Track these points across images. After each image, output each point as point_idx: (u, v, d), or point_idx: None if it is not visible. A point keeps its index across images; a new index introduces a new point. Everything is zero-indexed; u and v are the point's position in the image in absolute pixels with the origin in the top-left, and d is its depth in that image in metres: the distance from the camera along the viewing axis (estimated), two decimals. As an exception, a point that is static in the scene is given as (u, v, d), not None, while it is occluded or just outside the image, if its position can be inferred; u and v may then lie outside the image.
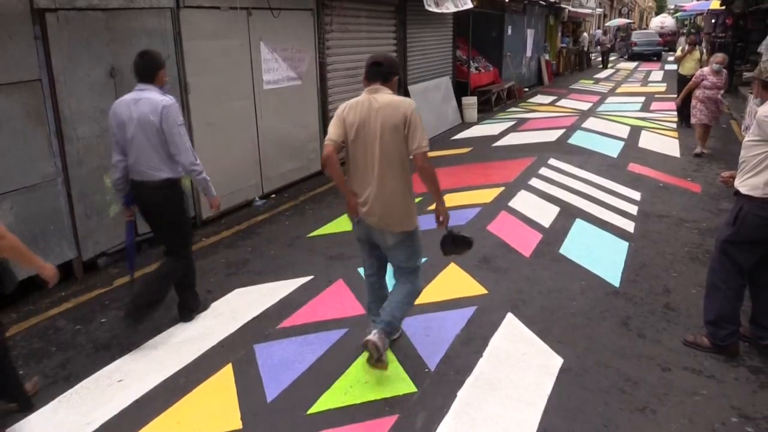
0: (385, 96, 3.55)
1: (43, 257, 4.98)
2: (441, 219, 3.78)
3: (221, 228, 6.70)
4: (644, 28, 50.55)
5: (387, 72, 3.63)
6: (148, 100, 4.11)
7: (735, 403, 3.57)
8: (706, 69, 10.15)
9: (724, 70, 10.03)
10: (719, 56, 10.16)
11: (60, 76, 5.04)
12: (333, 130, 3.61)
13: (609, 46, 31.41)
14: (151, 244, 6.07)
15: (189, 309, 4.64)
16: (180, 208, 4.41)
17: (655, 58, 33.80)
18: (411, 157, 3.55)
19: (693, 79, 10.25)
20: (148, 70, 4.19)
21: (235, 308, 4.79)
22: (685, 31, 40.09)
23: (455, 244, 3.94)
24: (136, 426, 3.41)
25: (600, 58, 30.98)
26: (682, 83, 11.94)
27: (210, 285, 5.22)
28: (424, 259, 5.54)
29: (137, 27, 5.72)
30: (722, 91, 10.16)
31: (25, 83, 4.77)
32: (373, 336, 3.59)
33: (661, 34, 39.99)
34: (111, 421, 3.46)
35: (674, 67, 15.53)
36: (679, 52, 13.16)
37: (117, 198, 5.11)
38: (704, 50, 13.54)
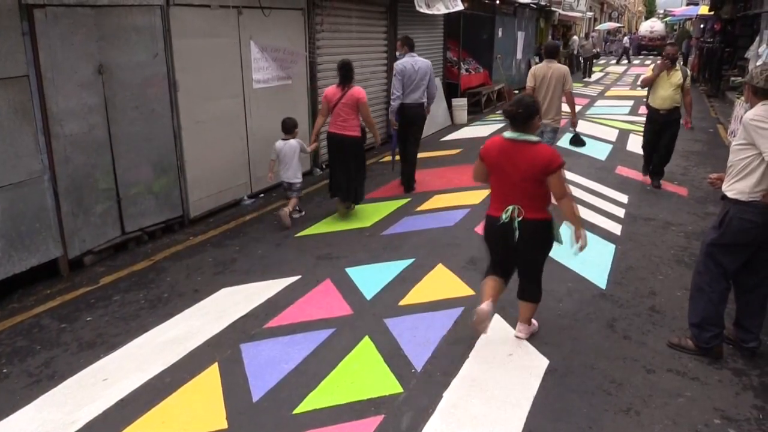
0: None
1: (28, 255, 4.99)
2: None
3: (209, 227, 6.68)
4: (634, 32, 51.00)
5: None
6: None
7: (718, 404, 3.60)
8: None
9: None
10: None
11: (48, 72, 5.00)
12: None
13: (595, 51, 27.99)
14: (138, 242, 6.04)
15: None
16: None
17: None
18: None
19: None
20: None
21: (222, 307, 4.77)
22: (674, 36, 40.50)
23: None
24: (121, 425, 3.39)
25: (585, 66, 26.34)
26: (652, 122, 8.15)
27: (197, 284, 5.21)
28: (411, 260, 5.59)
29: (126, 24, 5.69)
30: None
31: (12, 79, 4.73)
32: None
33: (650, 39, 41.18)
34: (95, 420, 3.44)
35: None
36: (648, 72, 8.09)
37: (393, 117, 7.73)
38: (689, 71, 8.20)
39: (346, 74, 6.56)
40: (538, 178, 3.82)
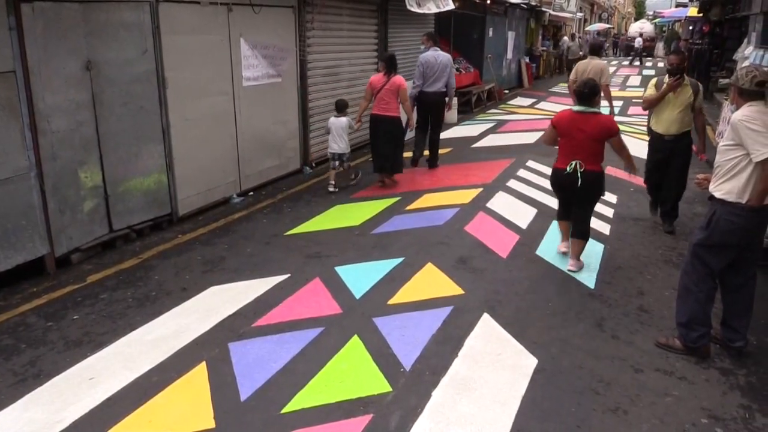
0: None
1: (14, 252, 4.94)
2: None
3: (198, 225, 6.64)
4: (624, 33, 51.33)
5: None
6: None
7: (705, 404, 3.63)
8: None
9: None
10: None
11: (35, 68, 4.95)
12: None
13: (581, 54, 25.03)
14: (126, 240, 6.00)
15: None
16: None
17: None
18: None
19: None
20: None
21: (210, 306, 4.75)
22: (664, 36, 40.73)
23: None
24: (107, 424, 3.36)
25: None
26: (656, 151, 6.66)
27: (185, 282, 5.17)
28: (400, 259, 5.59)
29: (115, 20, 5.64)
30: None
31: (-2, 75, 4.68)
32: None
33: (629, 39, 41.97)
34: (81, 419, 3.41)
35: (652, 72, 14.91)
36: (651, 90, 6.56)
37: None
38: (700, 86, 6.43)
39: (390, 65, 7.81)
40: (600, 139, 5.16)
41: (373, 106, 7.90)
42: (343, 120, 7.95)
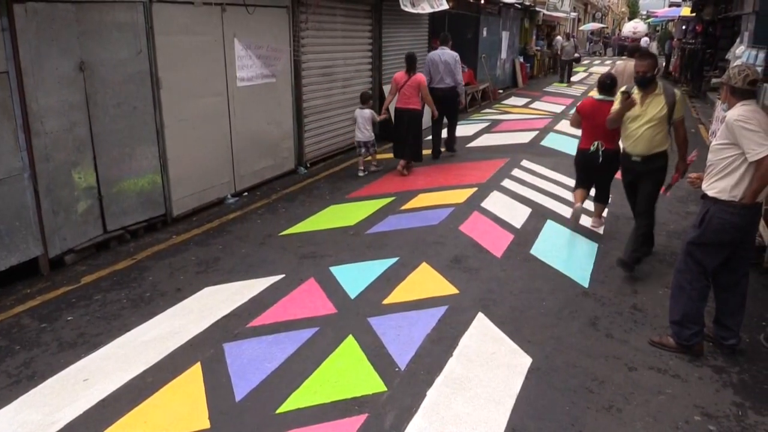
0: None
1: (7, 254, 4.92)
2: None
3: (192, 225, 6.63)
4: (618, 33, 51.48)
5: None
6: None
7: (698, 402, 3.65)
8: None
9: None
10: None
11: (28, 68, 4.94)
12: None
13: (576, 56, 24.50)
14: (120, 241, 5.99)
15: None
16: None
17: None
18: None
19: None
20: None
21: (205, 306, 4.74)
22: (657, 35, 40.80)
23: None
24: (102, 426, 3.35)
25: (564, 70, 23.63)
26: (625, 171, 5.64)
27: (180, 283, 5.17)
28: (395, 259, 5.59)
29: (108, 20, 5.63)
30: None
31: (-10, 76, 4.67)
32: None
33: (633, 39, 41.67)
34: (76, 420, 3.40)
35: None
36: (615, 104, 5.48)
37: None
38: (676, 93, 5.23)
39: (411, 63, 8.71)
40: None
41: (397, 100, 8.80)
42: (367, 112, 8.79)
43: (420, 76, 8.72)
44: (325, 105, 9.65)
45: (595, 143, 6.07)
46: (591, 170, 6.29)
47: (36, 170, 5.10)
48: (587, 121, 6.18)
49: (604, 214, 6.84)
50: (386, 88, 11.53)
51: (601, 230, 6.53)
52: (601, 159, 6.07)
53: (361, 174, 8.80)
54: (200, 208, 7.08)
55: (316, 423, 3.39)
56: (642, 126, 5.22)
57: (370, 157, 9.07)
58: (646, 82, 5.19)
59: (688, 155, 5.24)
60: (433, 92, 9.30)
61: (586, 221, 6.73)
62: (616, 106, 5.46)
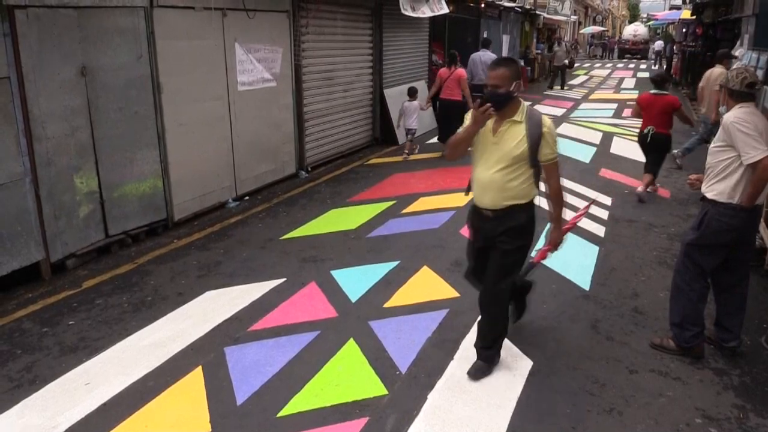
0: None
1: (9, 258, 4.93)
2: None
3: (194, 229, 6.65)
4: (618, 36, 51.56)
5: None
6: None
7: (699, 404, 3.64)
8: None
9: None
10: None
11: (29, 74, 4.96)
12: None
13: (565, 62, 23.07)
14: (121, 245, 6.00)
15: None
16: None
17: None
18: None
19: None
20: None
21: (206, 310, 4.75)
22: (659, 36, 40.69)
23: None
24: (103, 430, 3.36)
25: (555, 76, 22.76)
26: (472, 227, 3.90)
27: (181, 287, 5.18)
28: (396, 262, 5.60)
29: (110, 26, 5.65)
30: None
31: (-8, 81, 4.69)
32: None
33: (633, 42, 41.82)
34: (77, 425, 3.41)
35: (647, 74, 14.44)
36: (467, 121, 3.63)
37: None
38: (551, 129, 3.56)
39: (452, 59, 10.17)
40: (668, 112, 7.66)
41: (441, 92, 10.13)
42: (415, 103, 10.47)
43: (461, 71, 10.01)
44: (325, 109, 9.67)
45: (648, 128, 7.70)
46: (645, 148, 7.93)
47: (38, 175, 5.12)
48: (644, 111, 7.84)
49: (651, 187, 8.08)
50: (387, 92, 11.61)
51: (644, 198, 7.77)
52: (650, 140, 7.72)
53: (405, 157, 10.23)
54: (201, 212, 7.09)
55: (317, 426, 3.39)
56: (492, 166, 3.55)
57: (410, 143, 10.54)
58: (500, 101, 3.46)
59: (578, 211, 3.84)
60: (473, 88, 10.55)
61: (588, 224, 6.74)
62: (467, 123, 3.61)
